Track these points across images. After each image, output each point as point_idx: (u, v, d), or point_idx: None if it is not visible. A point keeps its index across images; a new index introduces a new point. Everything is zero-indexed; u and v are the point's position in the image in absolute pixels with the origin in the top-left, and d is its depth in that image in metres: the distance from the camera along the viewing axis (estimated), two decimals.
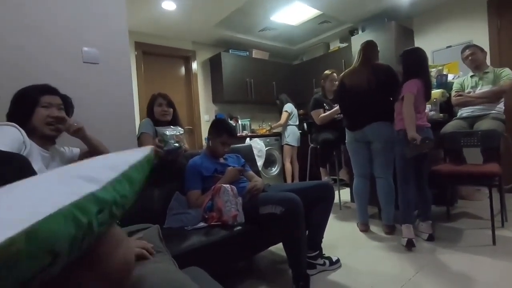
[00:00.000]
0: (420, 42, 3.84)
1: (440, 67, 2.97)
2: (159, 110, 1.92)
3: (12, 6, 1.50)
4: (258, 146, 3.91)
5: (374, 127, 2.17)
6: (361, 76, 2.19)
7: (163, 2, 3.21)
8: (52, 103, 1.19)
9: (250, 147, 2.37)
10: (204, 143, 4.31)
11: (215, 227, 1.46)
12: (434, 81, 2.84)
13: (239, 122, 4.60)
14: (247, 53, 4.69)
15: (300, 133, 4.16)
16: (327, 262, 1.71)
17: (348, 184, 3.18)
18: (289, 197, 1.45)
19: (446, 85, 2.76)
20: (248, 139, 4.04)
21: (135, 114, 2.00)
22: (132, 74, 2.63)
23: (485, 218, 2.34)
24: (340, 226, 2.52)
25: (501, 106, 2.47)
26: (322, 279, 1.62)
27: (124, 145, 1.70)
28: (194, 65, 4.47)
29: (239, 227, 1.47)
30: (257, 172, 2.15)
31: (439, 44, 3.69)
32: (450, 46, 3.60)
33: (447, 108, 2.70)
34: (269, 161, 4.36)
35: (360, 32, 4.08)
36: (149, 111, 1.98)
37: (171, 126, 1.81)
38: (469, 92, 2.58)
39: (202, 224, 1.52)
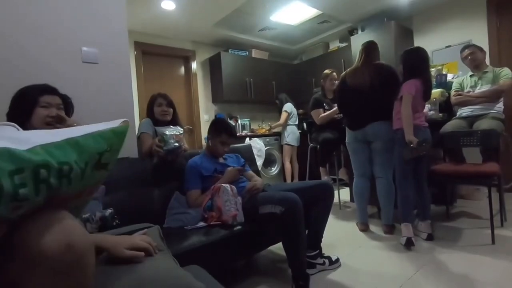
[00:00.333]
0: (419, 42, 3.84)
1: (439, 67, 2.97)
2: (159, 110, 1.93)
3: (12, 6, 1.50)
4: (258, 146, 3.91)
5: (375, 126, 2.17)
6: (364, 75, 2.19)
7: (163, 2, 3.21)
8: (52, 103, 1.19)
9: (249, 147, 2.37)
10: (203, 143, 4.31)
11: (214, 226, 1.46)
12: (433, 80, 2.85)
13: (239, 121, 4.60)
14: (247, 52, 4.69)
15: (299, 132, 4.17)
16: (326, 261, 1.71)
17: (348, 184, 3.19)
18: (288, 197, 1.45)
19: (445, 85, 2.76)
20: (247, 138, 4.04)
21: (135, 114, 2.00)
22: (132, 74, 2.62)
23: (484, 217, 2.34)
24: (340, 225, 2.52)
25: (500, 106, 2.48)
26: (321, 278, 1.63)
27: (124, 144, 1.70)
28: (194, 65, 4.46)
29: (238, 227, 1.47)
30: (257, 172, 2.15)
31: (438, 44, 3.70)
32: (449, 46, 3.60)
33: (447, 107, 2.70)
34: (269, 161, 4.37)
35: (359, 32, 4.08)
36: (149, 111, 1.98)
37: (171, 126, 1.81)
38: (468, 92, 2.58)
39: (201, 223, 1.52)
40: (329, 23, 4.23)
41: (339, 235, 2.26)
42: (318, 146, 3.03)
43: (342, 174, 3.22)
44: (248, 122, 4.68)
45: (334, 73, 3.01)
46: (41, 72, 1.54)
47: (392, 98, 2.10)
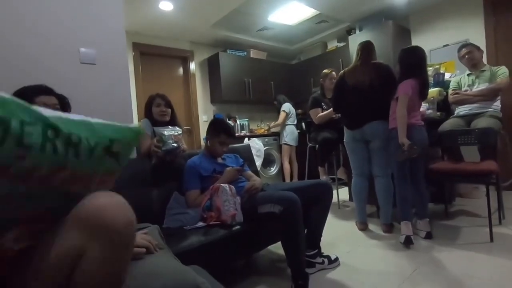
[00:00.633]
0: (417, 41, 3.85)
1: (437, 66, 2.98)
2: (157, 111, 1.92)
3: (10, 7, 1.50)
4: (257, 146, 3.92)
5: (373, 125, 2.17)
6: (364, 74, 2.19)
7: (160, 3, 3.21)
8: (48, 103, 1.19)
9: (248, 147, 2.38)
10: (202, 143, 4.31)
11: (214, 226, 1.47)
12: (431, 80, 2.86)
13: (238, 122, 4.60)
14: (245, 53, 4.69)
15: (298, 132, 4.17)
16: (326, 260, 1.71)
17: (347, 183, 3.19)
18: (287, 196, 1.46)
19: (443, 84, 2.78)
20: (246, 139, 4.05)
21: (133, 114, 2.00)
22: (130, 74, 2.62)
23: (482, 215, 2.35)
24: (339, 225, 2.53)
25: (497, 104, 2.49)
26: (321, 277, 1.63)
27: None
28: (192, 65, 4.46)
29: (237, 227, 1.47)
30: (256, 172, 2.15)
31: (436, 43, 3.71)
32: (446, 45, 3.61)
33: (445, 106, 2.71)
34: (268, 161, 4.37)
35: (357, 31, 4.09)
36: (147, 112, 1.98)
37: (169, 126, 1.81)
38: (466, 91, 2.59)
39: (201, 223, 1.52)
40: (327, 23, 4.24)
41: (338, 234, 2.26)
42: (317, 146, 3.03)
43: (341, 173, 3.23)
44: (246, 122, 4.68)
45: (334, 73, 3.02)
46: (39, 72, 1.54)
47: (390, 97, 2.11)
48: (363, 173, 2.32)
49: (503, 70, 2.46)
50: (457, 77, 2.76)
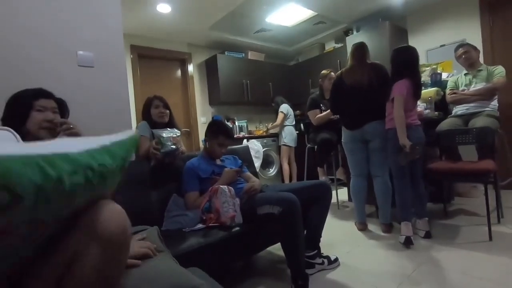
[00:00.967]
0: (414, 41, 3.87)
1: (434, 66, 2.99)
2: (156, 112, 1.92)
3: (8, 10, 1.50)
4: (256, 147, 3.92)
5: (373, 125, 2.18)
6: (363, 74, 2.19)
7: (158, 5, 3.21)
8: (47, 107, 1.19)
9: (247, 148, 2.38)
10: (201, 145, 4.30)
11: (213, 228, 1.46)
12: (428, 79, 2.87)
13: (236, 123, 4.61)
14: (243, 54, 4.70)
15: (297, 133, 4.17)
16: (325, 261, 1.71)
17: (346, 184, 3.20)
18: (286, 197, 1.46)
19: (440, 84, 2.78)
20: (245, 140, 4.05)
21: (132, 117, 2.00)
22: (128, 77, 2.62)
23: (481, 214, 2.36)
24: (338, 225, 2.53)
25: (495, 103, 2.50)
26: (321, 278, 1.63)
27: None
28: (190, 68, 4.47)
29: (237, 228, 1.47)
30: (255, 173, 2.15)
31: (432, 43, 3.73)
32: (443, 45, 3.63)
33: (442, 106, 2.72)
34: (267, 162, 4.37)
35: (354, 32, 4.11)
36: (145, 114, 1.97)
37: (168, 129, 1.81)
38: (463, 90, 2.61)
39: (200, 225, 1.52)
40: (324, 24, 4.25)
41: (338, 235, 2.27)
42: (316, 147, 3.04)
43: (339, 174, 3.23)
44: (245, 124, 4.68)
45: (333, 73, 3.02)
46: (37, 76, 1.54)
47: (387, 98, 2.11)
48: (362, 173, 2.32)
49: (499, 70, 2.47)
50: (454, 77, 2.77)
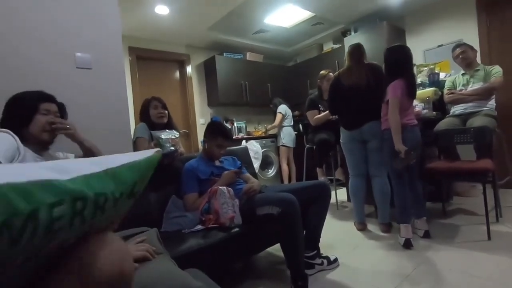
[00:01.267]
0: (411, 41, 3.89)
1: (431, 66, 3.01)
2: (155, 113, 1.92)
3: (7, 11, 1.50)
4: (254, 148, 3.92)
5: (372, 125, 2.18)
6: (361, 74, 2.19)
7: (156, 7, 3.21)
8: (50, 110, 1.20)
9: (246, 149, 2.38)
10: (200, 146, 4.30)
11: (212, 229, 1.46)
12: (426, 80, 2.88)
13: (235, 124, 4.61)
14: (242, 55, 4.70)
15: (296, 134, 4.18)
16: (325, 261, 1.72)
17: (345, 184, 3.20)
18: (285, 198, 1.46)
19: (438, 84, 2.80)
20: (244, 141, 4.05)
21: (130, 119, 2.00)
22: (127, 79, 2.61)
23: (480, 214, 2.36)
24: (338, 225, 2.53)
25: (492, 103, 2.51)
26: (320, 278, 1.63)
27: (119, 150, 1.67)
28: (189, 69, 4.47)
29: (236, 229, 1.47)
30: (254, 174, 2.16)
31: (430, 43, 3.74)
32: (441, 45, 3.65)
33: (440, 106, 2.73)
34: (266, 163, 4.37)
35: (352, 33, 4.12)
36: (143, 115, 1.98)
37: (167, 130, 1.81)
38: (460, 90, 2.62)
39: (199, 226, 1.52)
40: (322, 25, 4.26)
41: (337, 235, 2.27)
42: (315, 147, 3.04)
43: (338, 174, 3.23)
44: (244, 125, 4.68)
45: (331, 74, 3.02)
46: (35, 77, 1.54)
47: (383, 98, 2.12)
48: (360, 174, 2.32)
49: (497, 69, 2.48)
50: (452, 76, 2.79)
